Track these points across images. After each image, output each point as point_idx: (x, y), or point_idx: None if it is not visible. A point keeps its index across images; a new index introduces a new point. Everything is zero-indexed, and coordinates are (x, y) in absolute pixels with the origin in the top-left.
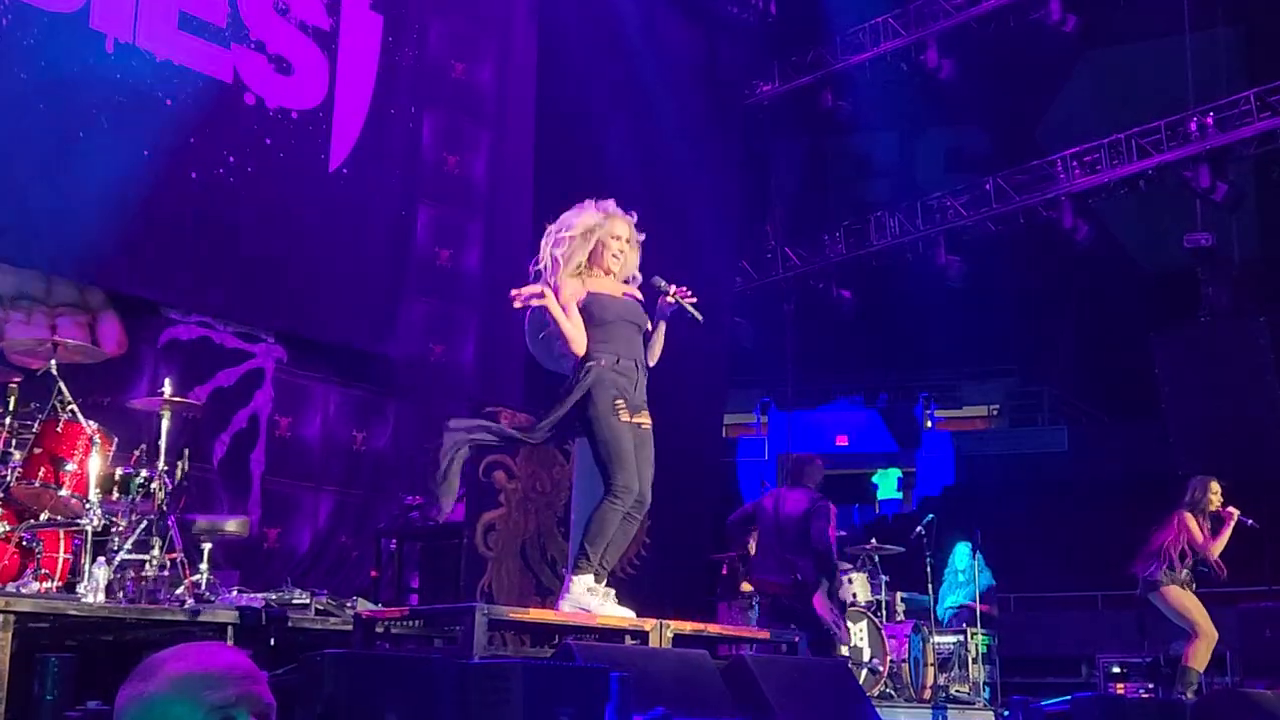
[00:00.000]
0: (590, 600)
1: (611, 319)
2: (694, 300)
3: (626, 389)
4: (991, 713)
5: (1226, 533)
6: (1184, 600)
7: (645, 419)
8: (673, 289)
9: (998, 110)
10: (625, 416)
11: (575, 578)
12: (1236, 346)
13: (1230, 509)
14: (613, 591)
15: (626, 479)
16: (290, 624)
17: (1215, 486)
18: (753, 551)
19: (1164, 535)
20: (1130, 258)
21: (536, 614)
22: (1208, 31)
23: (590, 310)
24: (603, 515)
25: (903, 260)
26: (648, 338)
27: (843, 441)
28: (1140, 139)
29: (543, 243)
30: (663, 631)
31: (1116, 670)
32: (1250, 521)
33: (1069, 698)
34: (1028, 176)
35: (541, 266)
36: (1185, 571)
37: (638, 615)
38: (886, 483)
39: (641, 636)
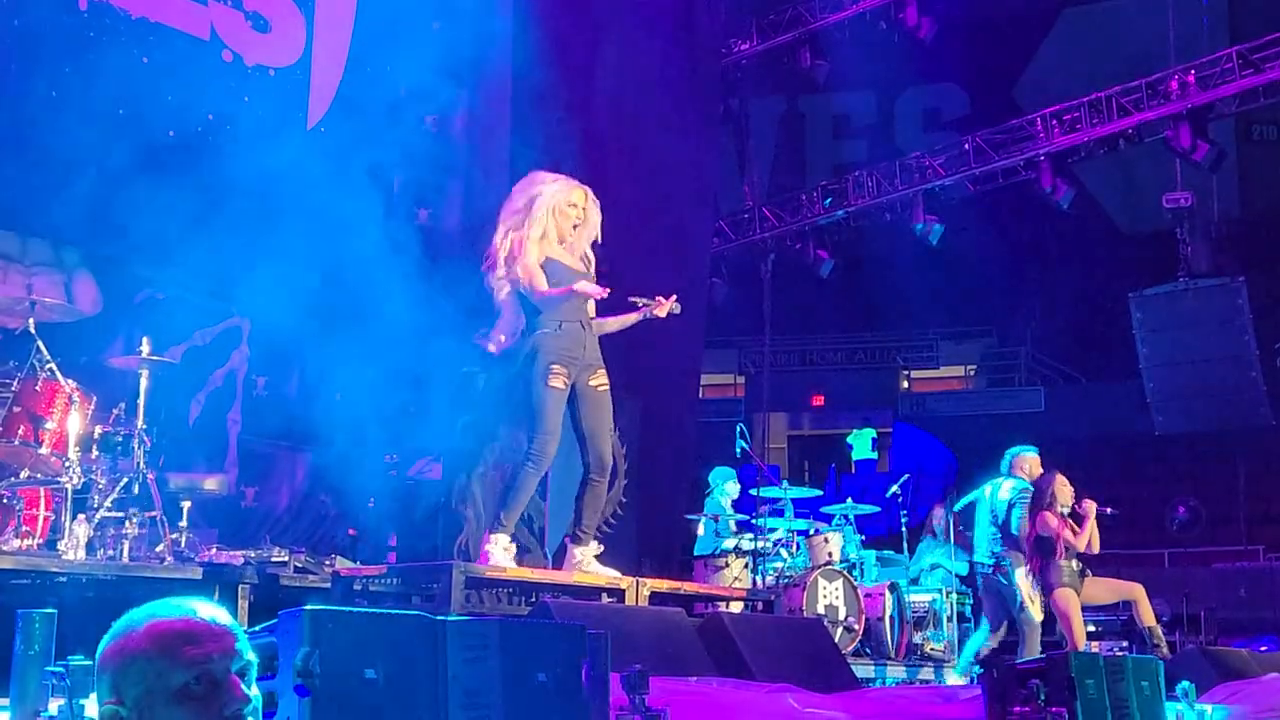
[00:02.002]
0: (503, 558)
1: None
2: (676, 302)
3: (570, 350)
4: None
5: (1090, 524)
6: (1067, 606)
7: (600, 379)
8: (656, 308)
9: (977, 69)
10: (560, 383)
11: (490, 536)
12: (1215, 307)
13: (1086, 502)
14: (589, 552)
15: (541, 444)
16: (268, 581)
17: (1061, 478)
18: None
19: (1032, 535)
20: (1109, 218)
21: (514, 572)
22: None
23: (554, 269)
24: (516, 477)
25: (881, 220)
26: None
27: (818, 402)
28: (1120, 98)
29: (499, 229)
30: (639, 589)
31: (1091, 629)
32: (1110, 510)
33: (1043, 655)
34: (1007, 136)
35: (502, 254)
36: (1071, 564)
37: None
38: (861, 443)
39: (618, 595)
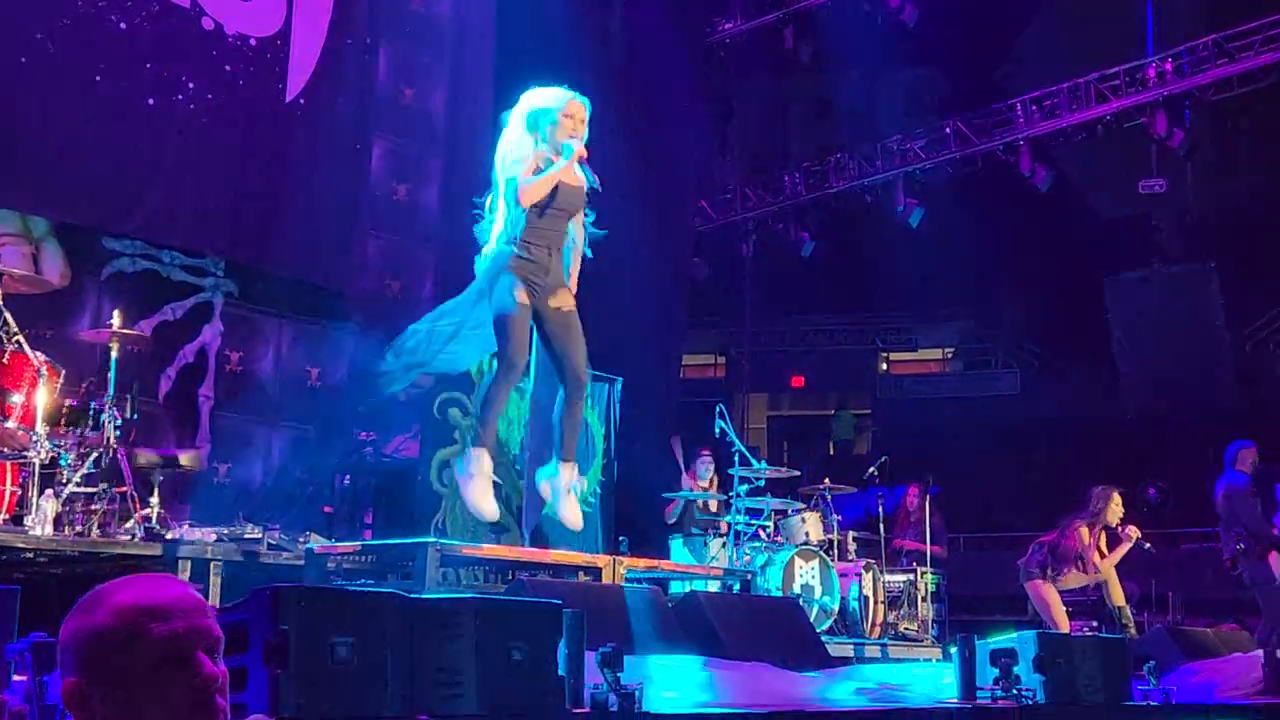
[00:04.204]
0: (475, 485)
1: (545, 213)
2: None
3: (535, 273)
4: (939, 649)
5: (1122, 551)
6: (1046, 595)
7: (565, 301)
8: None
9: (959, 53)
10: (524, 298)
11: (470, 450)
12: (1187, 292)
13: (1130, 529)
14: (570, 472)
15: (510, 356)
16: (241, 558)
17: (1117, 499)
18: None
19: (1056, 538)
20: (1086, 203)
21: (489, 550)
22: None
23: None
24: (488, 392)
25: (861, 202)
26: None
27: (798, 383)
28: (1099, 84)
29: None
30: (616, 568)
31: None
32: (1148, 546)
33: (1015, 635)
34: (987, 120)
35: (507, 173)
36: (1068, 574)
37: (593, 552)
38: (841, 424)
39: (595, 573)
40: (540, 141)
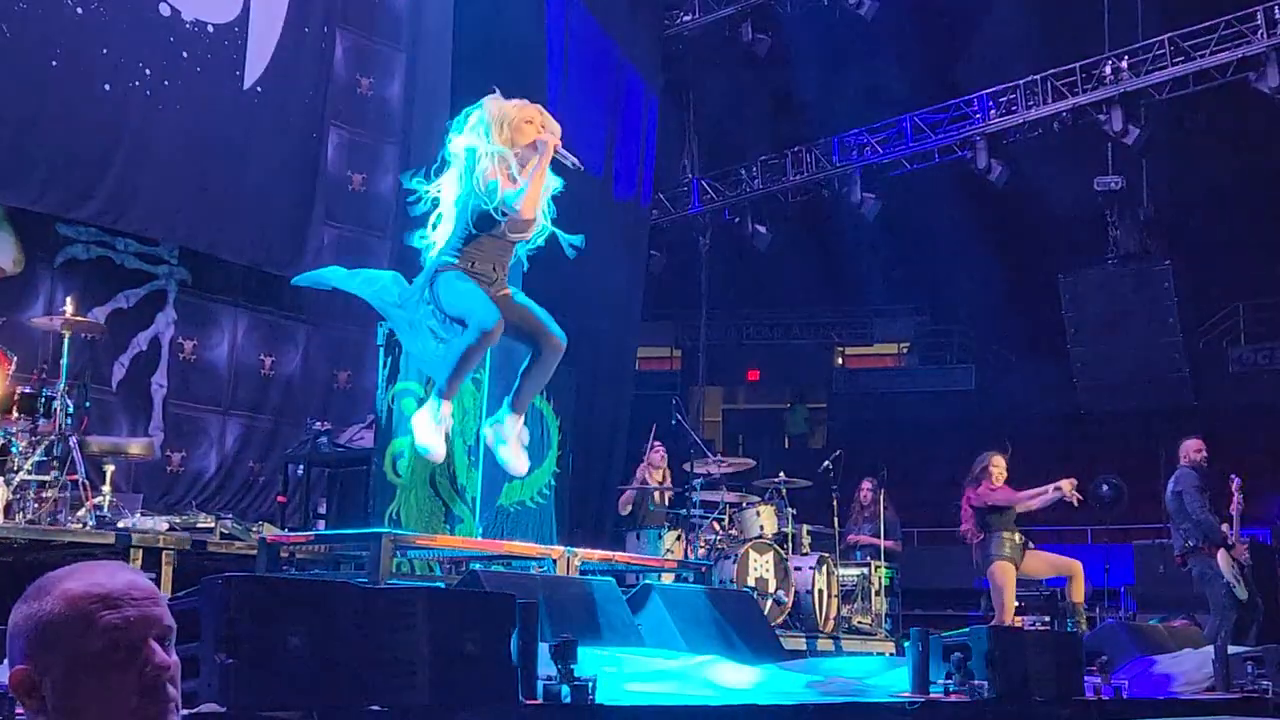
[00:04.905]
0: (431, 432)
1: (496, 233)
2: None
3: (481, 283)
4: (892, 643)
5: (1040, 492)
6: (1003, 578)
7: (505, 290)
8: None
9: (917, 48)
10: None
11: (432, 400)
12: (1141, 289)
13: (1065, 482)
14: (518, 422)
15: (481, 318)
16: (193, 547)
17: (999, 461)
18: None
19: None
20: (1041, 198)
21: (443, 541)
22: None
23: (485, 216)
24: (461, 350)
25: (818, 196)
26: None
27: (753, 377)
28: (1055, 80)
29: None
30: (570, 560)
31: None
32: (1074, 498)
33: (967, 630)
34: (944, 115)
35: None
36: (1014, 536)
37: (547, 544)
38: (796, 418)
39: (549, 564)
40: (500, 152)
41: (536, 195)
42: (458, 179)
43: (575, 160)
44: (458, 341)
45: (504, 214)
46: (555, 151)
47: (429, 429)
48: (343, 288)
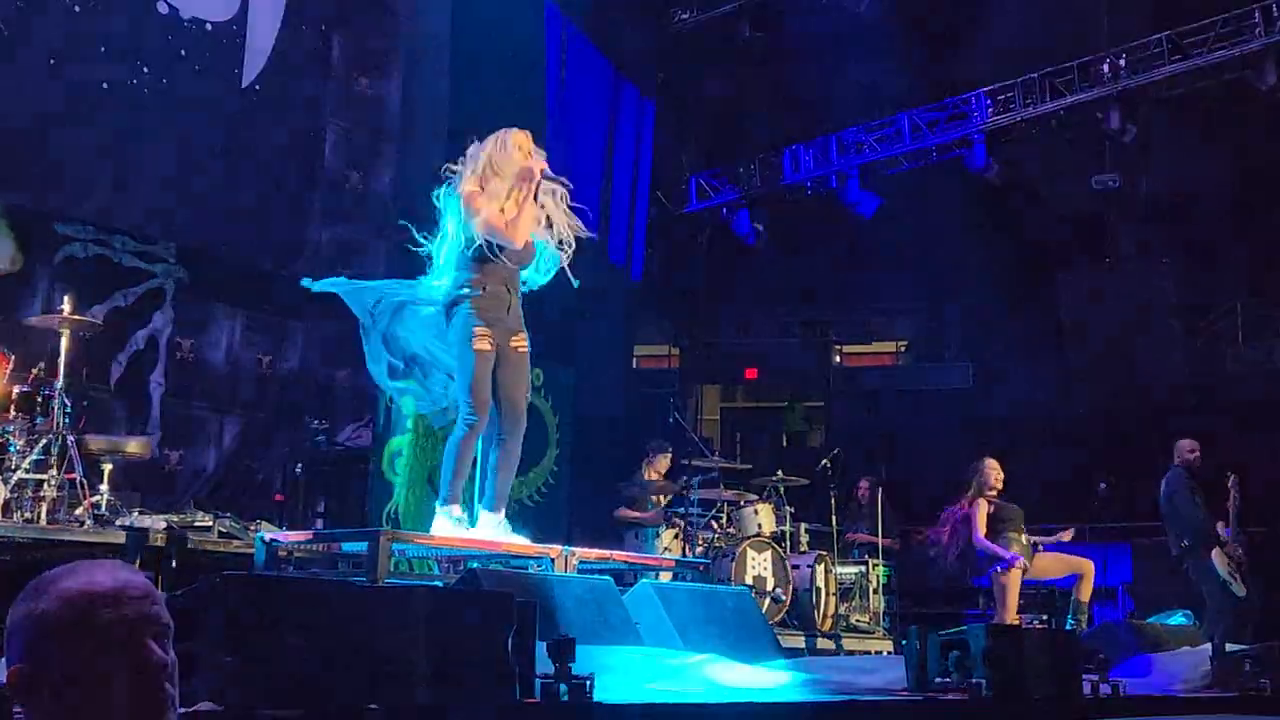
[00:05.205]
0: (453, 530)
1: (501, 254)
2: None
3: (494, 311)
4: (890, 641)
5: (1056, 548)
6: (1007, 582)
7: (520, 342)
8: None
9: (915, 46)
10: (486, 345)
11: (440, 509)
12: (1139, 288)
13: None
14: (497, 519)
15: (474, 410)
16: (191, 546)
17: (994, 464)
18: None
19: (955, 519)
20: (1039, 196)
21: (441, 539)
22: None
23: (482, 250)
24: (454, 446)
25: (816, 194)
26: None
27: (752, 375)
28: (1053, 79)
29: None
30: (568, 558)
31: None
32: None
33: (965, 627)
34: (942, 114)
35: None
36: (1022, 538)
37: (545, 542)
38: (792, 417)
39: (547, 563)
40: (497, 180)
41: (525, 224)
42: (455, 227)
43: (565, 188)
44: (450, 441)
45: (499, 249)
46: (543, 176)
47: (453, 529)
48: (347, 302)
